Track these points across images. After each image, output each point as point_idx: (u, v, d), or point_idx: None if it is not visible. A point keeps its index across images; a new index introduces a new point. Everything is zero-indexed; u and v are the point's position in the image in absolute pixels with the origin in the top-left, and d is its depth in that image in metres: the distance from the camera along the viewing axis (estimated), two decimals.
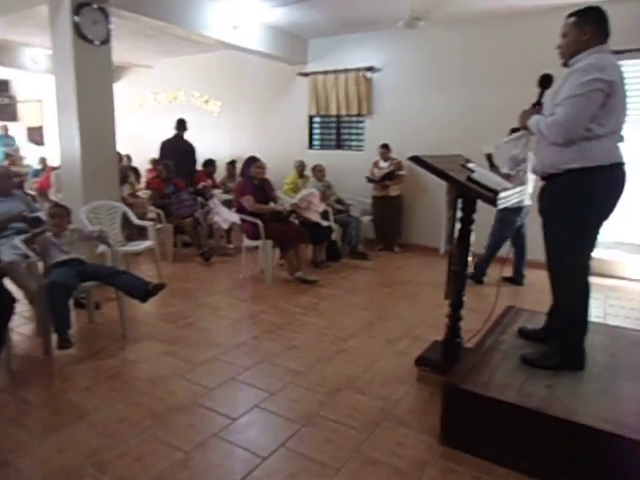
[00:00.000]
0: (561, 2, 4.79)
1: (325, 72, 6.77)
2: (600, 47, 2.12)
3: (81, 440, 2.16)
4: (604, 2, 4.68)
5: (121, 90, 9.11)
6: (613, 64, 2.08)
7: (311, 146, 7.36)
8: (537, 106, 2.32)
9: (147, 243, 4.47)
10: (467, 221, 2.56)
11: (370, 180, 6.09)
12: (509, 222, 4.45)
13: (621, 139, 2.18)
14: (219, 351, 3.11)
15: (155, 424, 2.29)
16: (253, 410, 2.43)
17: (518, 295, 4.38)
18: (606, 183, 2.13)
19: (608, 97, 2.03)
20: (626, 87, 2.12)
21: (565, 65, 2.23)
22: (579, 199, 2.13)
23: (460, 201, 2.54)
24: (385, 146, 6.05)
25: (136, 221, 4.51)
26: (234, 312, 3.89)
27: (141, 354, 3.06)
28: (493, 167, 4.09)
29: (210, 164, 6.81)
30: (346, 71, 6.59)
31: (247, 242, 4.83)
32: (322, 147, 7.32)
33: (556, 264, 2.29)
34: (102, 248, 3.93)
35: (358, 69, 6.49)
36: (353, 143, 7.06)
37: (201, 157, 7.14)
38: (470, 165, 2.65)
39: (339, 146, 7.18)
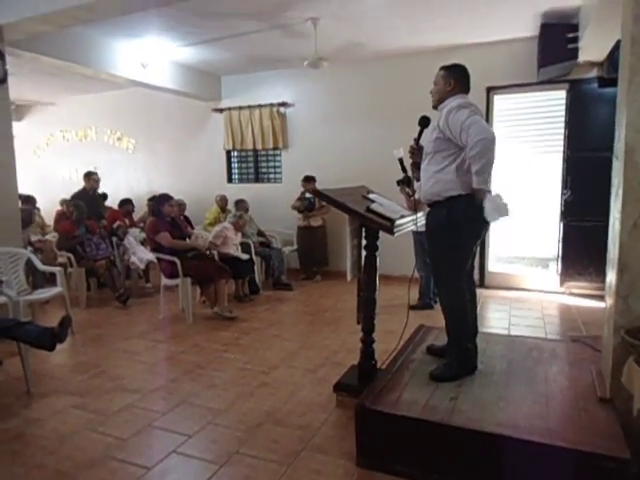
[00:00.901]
0: (453, 43, 5.31)
1: (240, 107, 6.90)
2: (458, 95, 2.49)
3: None
4: (486, 44, 5.28)
5: (25, 129, 8.68)
6: (476, 106, 2.44)
7: (230, 180, 7.39)
8: (418, 142, 2.63)
9: (55, 290, 4.21)
10: (372, 248, 2.70)
11: (296, 208, 6.21)
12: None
13: None
14: (135, 398, 2.99)
15: None
16: (170, 456, 2.35)
17: (431, 313, 4.61)
18: (480, 207, 2.39)
19: None
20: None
21: (435, 108, 2.59)
22: (457, 220, 2.41)
23: (363, 230, 2.69)
24: (307, 179, 6.20)
25: (42, 267, 4.26)
26: (151, 355, 3.75)
27: (47, 410, 2.85)
28: (404, 170, 4.32)
29: (127, 202, 6.56)
30: (260, 106, 6.76)
31: (165, 281, 4.71)
32: (241, 181, 7.39)
33: (438, 276, 2.59)
34: (2, 299, 3.66)
35: (272, 104, 6.69)
36: (271, 176, 7.20)
37: (117, 195, 6.94)
38: (371, 196, 2.82)
39: (258, 179, 7.28)
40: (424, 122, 2.60)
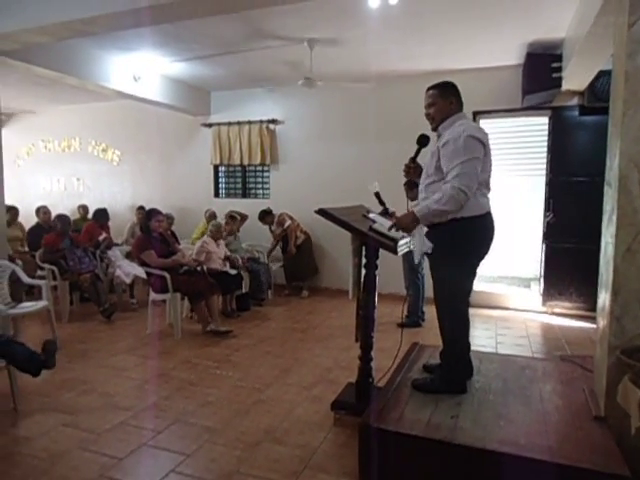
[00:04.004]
0: (442, 68, 5.48)
1: (229, 123, 6.93)
2: (460, 114, 2.51)
3: None
4: (474, 70, 5.45)
5: (5, 138, 8.48)
6: (481, 129, 2.47)
7: (217, 194, 7.38)
8: (415, 161, 2.63)
9: (41, 304, 4.10)
10: (372, 267, 2.74)
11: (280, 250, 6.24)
12: (417, 264, 4.77)
13: (489, 191, 2.55)
14: (127, 416, 2.92)
15: None
16: (168, 476, 2.31)
17: (420, 330, 4.67)
18: (481, 229, 2.47)
19: (484, 156, 2.40)
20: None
21: (434, 129, 2.56)
22: (460, 243, 2.43)
23: (364, 249, 2.73)
24: (263, 216, 6.21)
25: (27, 280, 4.15)
26: (141, 372, 3.68)
27: (36, 429, 2.77)
28: (383, 204, 4.37)
29: (102, 213, 6.24)
30: (250, 123, 6.80)
31: (154, 296, 4.64)
32: (228, 195, 7.38)
33: (440, 298, 2.56)
34: None
35: (261, 121, 6.74)
36: (259, 191, 7.22)
37: (100, 206, 6.81)
38: (371, 215, 2.87)
39: (245, 194, 7.29)
40: (423, 141, 2.61)
